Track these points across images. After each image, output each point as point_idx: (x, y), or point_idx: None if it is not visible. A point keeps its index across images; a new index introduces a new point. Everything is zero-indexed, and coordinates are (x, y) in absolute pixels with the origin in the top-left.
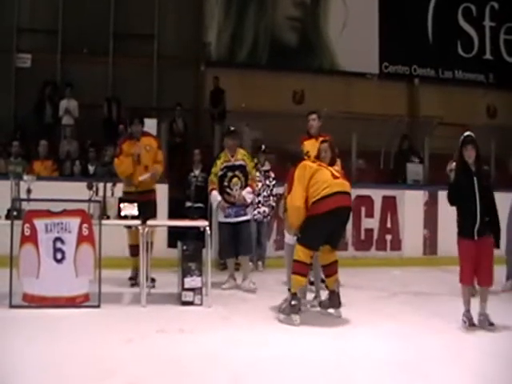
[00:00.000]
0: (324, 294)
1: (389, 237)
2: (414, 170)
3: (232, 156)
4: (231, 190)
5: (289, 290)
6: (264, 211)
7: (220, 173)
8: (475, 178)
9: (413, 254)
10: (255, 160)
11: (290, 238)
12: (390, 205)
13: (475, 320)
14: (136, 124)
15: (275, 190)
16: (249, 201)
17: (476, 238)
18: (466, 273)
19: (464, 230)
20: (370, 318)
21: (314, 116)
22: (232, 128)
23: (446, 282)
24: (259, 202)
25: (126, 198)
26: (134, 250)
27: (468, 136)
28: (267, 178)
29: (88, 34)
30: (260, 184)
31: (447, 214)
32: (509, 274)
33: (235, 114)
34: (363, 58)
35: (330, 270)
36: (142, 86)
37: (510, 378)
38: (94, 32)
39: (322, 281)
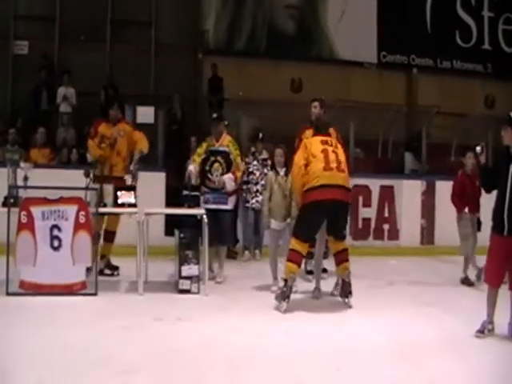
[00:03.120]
0: (323, 284)
1: (386, 226)
2: (412, 159)
3: (217, 141)
4: (211, 175)
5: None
6: (262, 200)
7: (203, 155)
8: (511, 166)
9: (410, 244)
10: (252, 149)
11: (275, 225)
12: (387, 194)
13: (505, 329)
14: (114, 109)
15: None
16: (229, 188)
17: (505, 233)
18: (491, 272)
19: (493, 222)
20: (368, 307)
21: (315, 103)
22: (215, 114)
23: (442, 271)
24: (257, 190)
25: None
26: (110, 236)
27: (507, 116)
28: (265, 166)
29: (85, 20)
30: (258, 173)
31: (444, 204)
32: None
33: (233, 102)
34: (362, 47)
35: (339, 258)
36: (140, 73)
37: (508, 369)
38: (92, 19)
39: (324, 270)
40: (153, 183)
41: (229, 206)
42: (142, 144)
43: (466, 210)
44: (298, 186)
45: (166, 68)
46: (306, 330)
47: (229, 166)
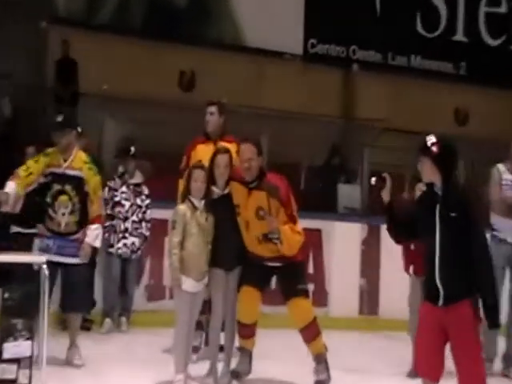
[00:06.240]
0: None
1: (310, 287)
2: (348, 192)
3: (65, 160)
4: (55, 212)
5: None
6: (133, 243)
7: (42, 179)
8: (438, 207)
9: (344, 313)
10: (120, 169)
11: (190, 286)
12: (312, 241)
13: None
14: None
15: (149, 213)
16: (97, 244)
17: (441, 303)
18: (420, 358)
19: (425, 289)
20: None
21: (212, 109)
22: (59, 118)
23: (390, 353)
24: (126, 229)
25: None
26: None
27: (424, 142)
28: (138, 195)
29: None
30: (128, 204)
31: (393, 257)
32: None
33: (93, 99)
34: (281, 32)
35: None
36: None
37: None
38: None
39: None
40: None
41: (81, 259)
42: None
43: (411, 269)
44: None
45: None
46: None
47: (82, 201)
